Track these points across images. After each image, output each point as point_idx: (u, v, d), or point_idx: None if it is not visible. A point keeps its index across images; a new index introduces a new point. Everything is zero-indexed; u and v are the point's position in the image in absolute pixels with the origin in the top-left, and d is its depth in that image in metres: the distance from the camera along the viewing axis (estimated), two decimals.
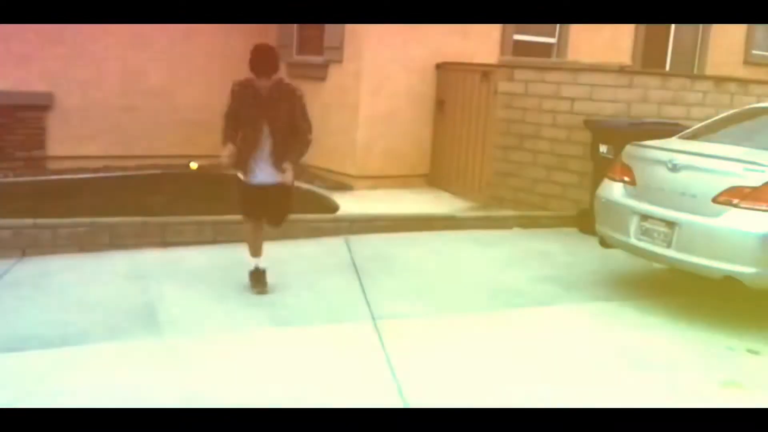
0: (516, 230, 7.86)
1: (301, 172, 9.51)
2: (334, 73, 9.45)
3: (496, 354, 4.62)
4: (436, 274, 6.13)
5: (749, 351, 4.84)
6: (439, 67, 9.41)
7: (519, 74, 8.64)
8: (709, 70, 12.21)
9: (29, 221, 6.17)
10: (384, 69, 9.10)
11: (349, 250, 6.58)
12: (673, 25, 12.30)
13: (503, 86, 8.62)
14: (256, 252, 5.39)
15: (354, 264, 6.16)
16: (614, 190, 5.92)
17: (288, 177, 5.09)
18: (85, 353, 4.30)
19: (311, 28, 9.71)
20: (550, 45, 10.96)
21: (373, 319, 5.03)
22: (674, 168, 5.43)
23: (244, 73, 5.17)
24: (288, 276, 5.63)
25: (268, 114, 5.08)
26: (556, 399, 4.00)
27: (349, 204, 8.17)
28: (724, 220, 5.05)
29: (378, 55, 9.06)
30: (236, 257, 6.26)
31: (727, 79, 9.11)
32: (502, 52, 10.12)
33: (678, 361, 4.66)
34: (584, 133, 7.95)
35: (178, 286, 5.53)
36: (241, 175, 5.22)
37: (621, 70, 8.80)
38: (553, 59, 10.81)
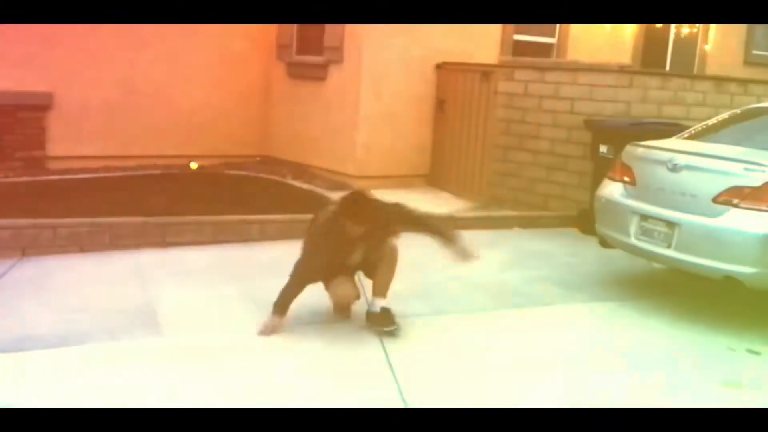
0: (516, 230, 7.86)
1: (302, 172, 9.54)
2: (334, 73, 9.45)
3: (496, 354, 4.62)
4: (436, 274, 6.13)
5: (749, 351, 4.85)
6: (439, 67, 9.41)
7: (519, 74, 8.64)
8: (709, 70, 12.21)
9: (29, 221, 6.16)
10: (384, 69, 9.10)
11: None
12: (673, 25, 12.31)
13: (503, 86, 8.62)
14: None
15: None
16: (614, 190, 5.92)
17: None
18: (85, 353, 4.30)
19: (311, 28, 9.71)
20: (550, 45, 10.96)
21: None
22: (674, 168, 5.43)
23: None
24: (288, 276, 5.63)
25: None
26: (555, 399, 4.00)
27: None
28: (724, 220, 5.05)
29: (378, 55, 9.06)
30: (236, 257, 6.26)
31: (727, 79, 9.10)
32: (502, 52, 10.12)
33: (678, 361, 4.67)
34: (584, 133, 7.95)
35: (178, 286, 5.53)
36: None
37: (621, 70, 8.80)
38: (553, 59, 10.81)
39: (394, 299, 5.46)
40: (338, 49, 9.29)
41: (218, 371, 4.16)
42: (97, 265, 5.91)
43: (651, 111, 8.18)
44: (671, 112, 8.26)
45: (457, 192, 9.08)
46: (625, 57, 11.48)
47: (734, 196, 5.05)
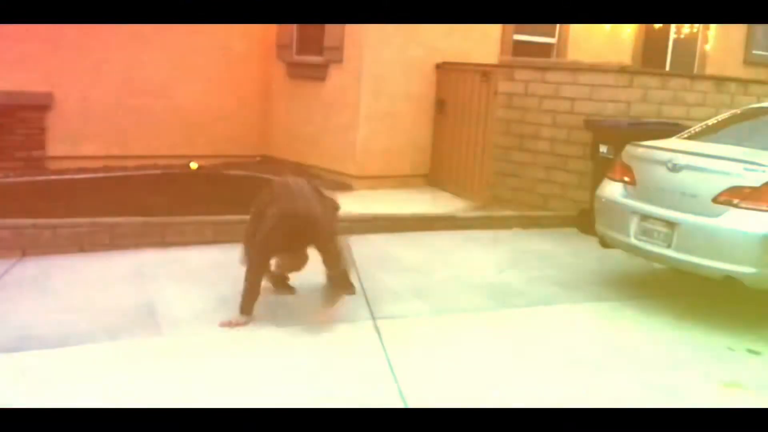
0: (516, 230, 7.87)
1: (302, 172, 9.53)
2: (334, 73, 9.44)
3: (495, 354, 4.62)
4: (436, 274, 6.13)
5: (749, 351, 4.85)
6: (439, 67, 9.41)
7: (519, 74, 8.64)
8: (709, 70, 12.21)
9: (29, 221, 6.16)
10: (384, 69, 9.10)
11: (349, 250, 6.58)
12: (673, 25, 12.31)
13: (503, 86, 8.62)
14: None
15: (354, 264, 6.16)
16: (614, 190, 5.92)
17: None
18: (85, 353, 4.30)
19: (311, 28, 9.71)
20: (550, 45, 10.96)
21: (373, 319, 5.04)
22: (674, 168, 5.43)
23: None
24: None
25: None
26: (556, 399, 4.00)
27: (349, 204, 8.15)
28: (724, 220, 5.06)
29: (378, 55, 9.06)
30: (236, 257, 6.26)
31: (727, 79, 9.11)
32: (502, 52, 10.12)
33: (678, 361, 4.67)
34: (584, 133, 7.95)
35: (178, 286, 5.53)
36: None
37: (621, 70, 8.80)
38: (553, 59, 10.82)
39: (395, 299, 5.48)
40: (338, 49, 9.29)
41: (218, 371, 4.16)
42: (97, 265, 5.92)
43: (651, 111, 8.19)
44: (671, 112, 8.26)
45: (457, 192, 9.08)
46: (625, 57, 11.49)
47: (734, 196, 5.06)
